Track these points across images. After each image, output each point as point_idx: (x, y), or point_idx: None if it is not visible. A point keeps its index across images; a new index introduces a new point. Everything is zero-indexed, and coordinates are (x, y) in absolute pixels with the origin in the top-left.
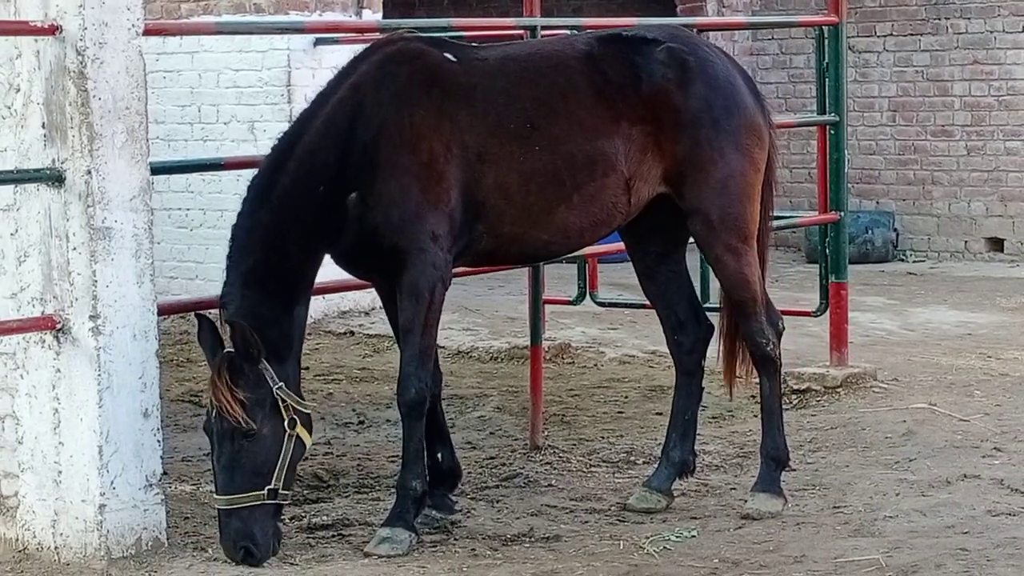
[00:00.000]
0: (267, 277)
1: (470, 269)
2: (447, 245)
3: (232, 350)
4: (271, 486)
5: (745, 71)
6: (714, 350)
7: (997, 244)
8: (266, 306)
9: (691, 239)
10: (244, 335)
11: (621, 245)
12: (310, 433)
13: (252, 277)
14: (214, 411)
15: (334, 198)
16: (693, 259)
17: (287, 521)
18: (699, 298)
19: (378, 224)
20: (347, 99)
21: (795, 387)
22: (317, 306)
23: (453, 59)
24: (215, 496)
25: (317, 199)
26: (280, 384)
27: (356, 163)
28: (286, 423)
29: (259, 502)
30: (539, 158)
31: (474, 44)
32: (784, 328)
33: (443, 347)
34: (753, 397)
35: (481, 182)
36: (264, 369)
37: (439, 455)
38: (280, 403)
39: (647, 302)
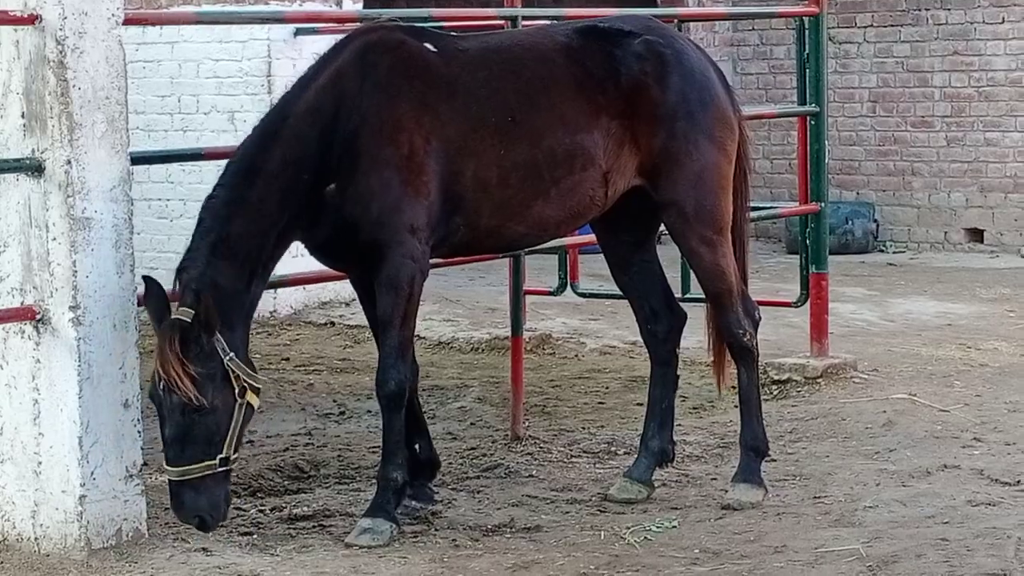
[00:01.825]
0: (237, 251)
1: (451, 260)
2: (425, 237)
3: (181, 317)
4: (222, 455)
5: (715, 62)
6: (695, 340)
7: (977, 235)
8: (228, 278)
9: (662, 230)
10: (208, 307)
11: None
12: (258, 396)
13: (222, 248)
14: (162, 383)
15: (315, 185)
16: (672, 250)
17: (268, 512)
18: (680, 289)
19: (357, 216)
20: (329, 87)
21: (775, 378)
22: (297, 297)
23: (434, 50)
24: (165, 467)
25: (301, 184)
26: (231, 355)
27: (338, 153)
28: (236, 392)
29: (211, 471)
30: (519, 152)
31: (454, 34)
32: (760, 318)
33: (424, 338)
34: (734, 387)
35: (461, 175)
36: (217, 340)
37: (417, 446)
38: (231, 374)
39: None
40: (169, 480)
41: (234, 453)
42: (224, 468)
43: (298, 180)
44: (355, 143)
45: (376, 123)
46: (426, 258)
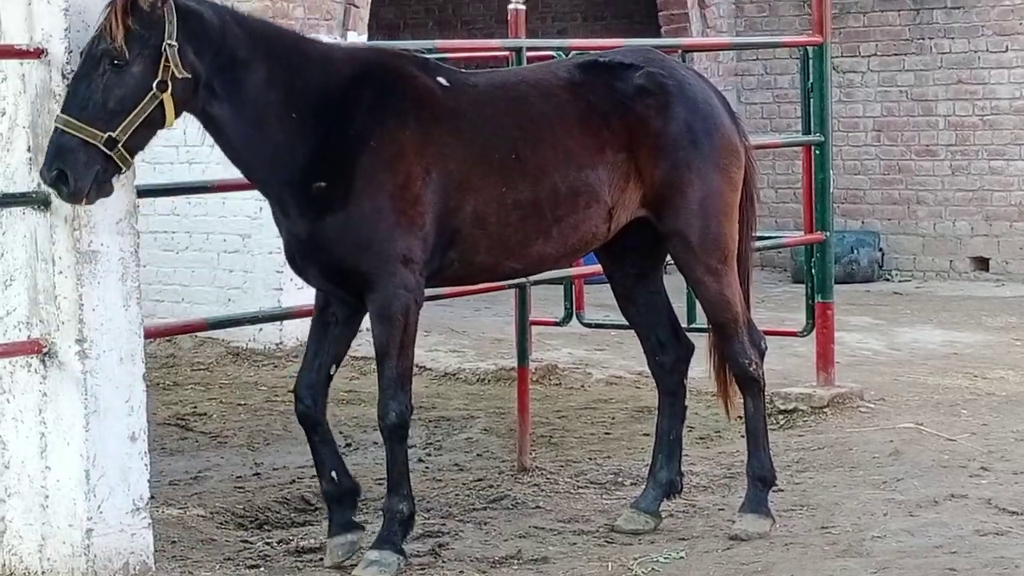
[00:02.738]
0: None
1: (456, 291)
2: (419, 268)
3: None
4: (112, 133)
5: (719, 91)
6: (702, 370)
7: (982, 263)
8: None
9: (669, 260)
10: None
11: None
12: (176, 114)
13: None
14: (98, 31)
15: (306, 135)
16: (677, 280)
17: (275, 544)
18: (686, 319)
19: (349, 240)
20: (342, 96)
21: (782, 407)
22: (304, 328)
23: (445, 83)
24: (59, 113)
25: (297, 122)
26: (174, 44)
27: (336, 152)
28: (157, 80)
29: (94, 141)
30: (522, 190)
31: (465, 70)
32: (767, 348)
33: (430, 369)
34: (740, 418)
35: (459, 210)
36: (167, 20)
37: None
38: (162, 58)
39: None
40: (54, 128)
41: (124, 142)
42: (106, 149)
43: (296, 118)
44: (353, 158)
45: (377, 146)
46: (421, 288)
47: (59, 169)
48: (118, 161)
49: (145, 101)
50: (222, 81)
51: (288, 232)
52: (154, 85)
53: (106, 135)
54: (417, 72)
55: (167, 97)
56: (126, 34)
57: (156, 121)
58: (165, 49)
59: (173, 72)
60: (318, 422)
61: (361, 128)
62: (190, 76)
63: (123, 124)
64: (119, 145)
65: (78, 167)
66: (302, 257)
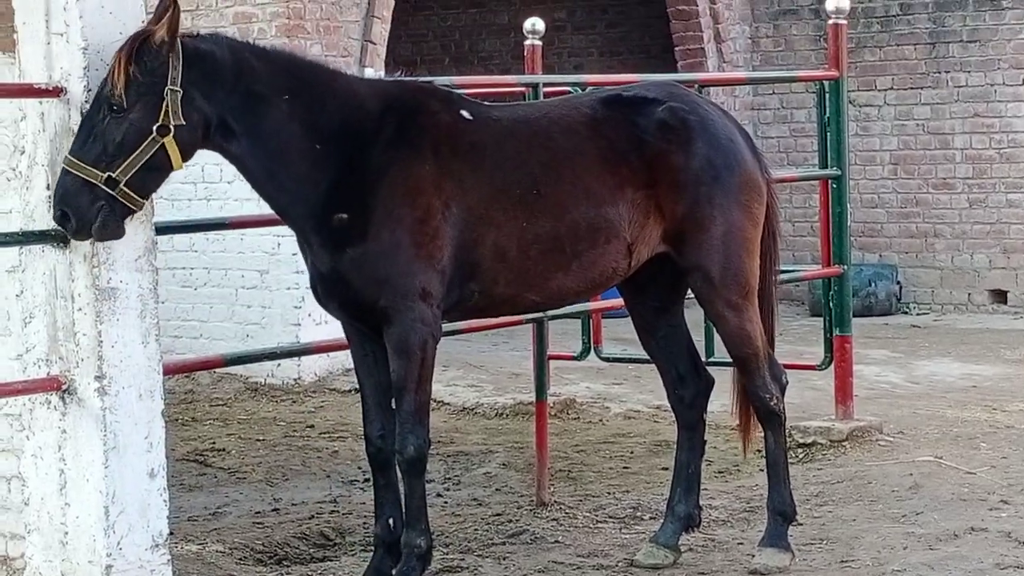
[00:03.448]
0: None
1: (473, 326)
2: (436, 302)
3: (154, 28)
4: (113, 174)
5: (742, 126)
6: (720, 404)
7: (1000, 296)
8: (223, 47)
9: (689, 293)
10: (174, 14)
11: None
12: (184, 158)
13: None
14: (105, 77)
15: (324, 167)
16: (696, 313)
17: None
18: (704, 353)
19: (367, 274)
20: (365, 129)
21: (801, 441)
22: (322, 364)
23: (468, 117)
24: (67, 155)
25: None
26: (177, 89)
27: (354, 182)
28: (157, 125)
29: (94, 180)
30: (542, 225)
31: (488, 103)
32: (787, 382)
33: (448, 404)
34: (759, 451)
35: (479, 244)
36: (173, 67)
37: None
38: (163, 103)
39: None
40: (61, 168)
41: (126, 182)
42: (108, 189)
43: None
44: (374, 191)
45: (397, 180)
46: (438, 322)
47: (61, 210)
48: (124, 201)
49: (145, 145)
50: (238, 118)
51: (311, 264)
52: (154, 129)
53: (106, 175)
54: (439, 106)
55: (169, 141)
56: (127, 82)
57: (161, 165)
58: (166, 95)
59: (171, 120)
60: (388, 463)
61: (382, 161)
62: (185, 124)
63: (123, 166)
64: (120, 185)
65: (80, 207)
66: (324, 289)
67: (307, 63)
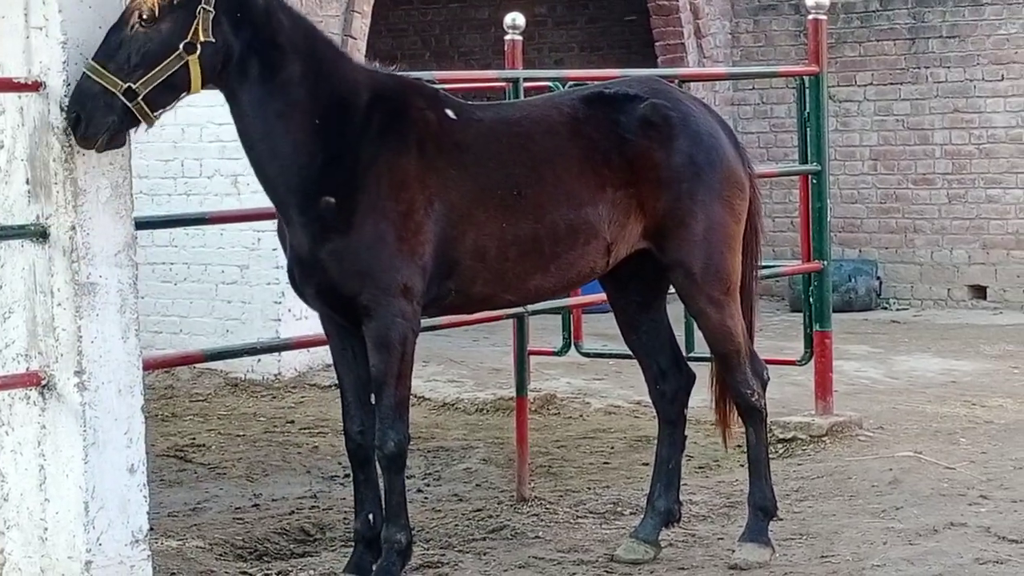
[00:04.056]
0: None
1: (455, 320)
2: (417, 298)
3: None
4: (132, 84)
5: (725, 122)
6: (700, 400)
7: (980, 291)
8: None
9: (671, 288)
10: None
11: (605, 295)
12: (203, 81)
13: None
14: None
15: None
16: (677, 308)
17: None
18: (684, 348)
19: (348, 266)
20: (358, 117)
21: (781, 436)
22: (302, 359)
23: (453, 116)
24: (89, 59)
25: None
26: (210, 9)
27: (343, 168)
28: (184, 42)
29: (113, 89)
30: (522, 226)
31: (472, 103)
32: (769, 378)
33: (428, 399)
34: (740, 447)
35: (459, 242)
36: None
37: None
38: (195, 20)
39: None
40: (82, 72)
41: (144, 95)
42: (125, 100)
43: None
44: (361, 180)
45: (383, 172)
46: (417, 318)
47: (76, 112)
48: (136, 114)
49: (170, 60)
50: (257, 63)
51: (290, 245)
52: (181, 46)
53: (126, 85)
54: (426, 103)
55: (193, 60)
56: None
57: (181, 83)
58: (199, 12)
59: (201, 37)
60: (368, 460)
61: (369, 152)
62: (217, 43)
63: (144, 78)
64: (139, 98)
65: (94, 114)
66: (301, 274)
67: (323, 36)
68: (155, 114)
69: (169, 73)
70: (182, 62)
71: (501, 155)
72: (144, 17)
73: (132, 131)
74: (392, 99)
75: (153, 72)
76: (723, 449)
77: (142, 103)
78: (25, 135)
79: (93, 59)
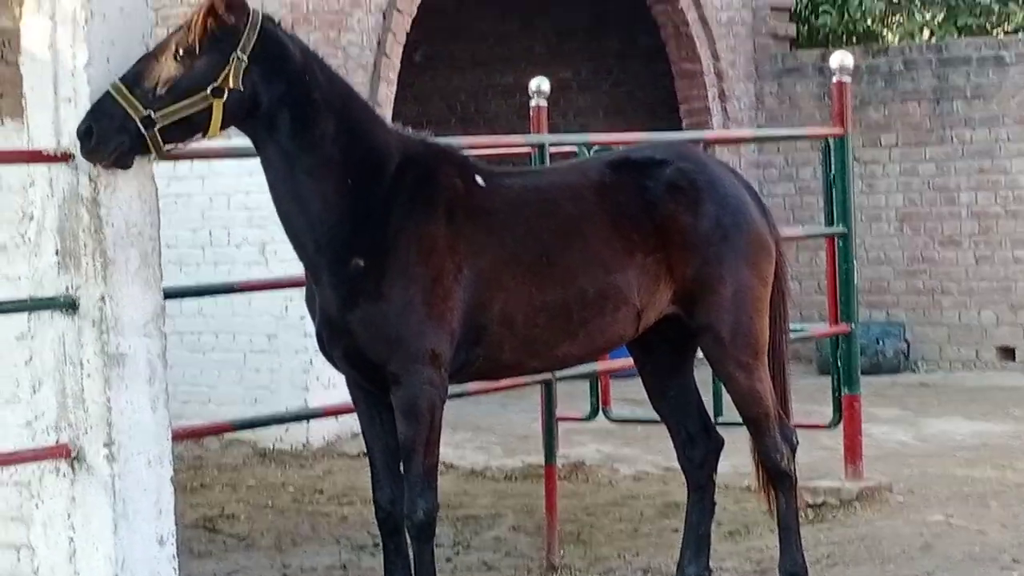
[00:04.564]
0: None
1: (483, 386)
2: (445, 365)
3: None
4: (152, 114)
5: (750, 185)
6: (729, 465)
7: (1008, 353)
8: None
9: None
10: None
11: (632, 361)
12: (222, 127)
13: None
14: (182, 24)
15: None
16: (704, 372)
17: None
18: (713, 413)
19: (376, 332)
20: (388, 180)
21: (811, 501)
22: (330, 427)
23: (482, 183)
24: (116, 79)
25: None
26: (243, 58)
27: (371, 232)
28: (212, 85)
29: (132, 113)
30: (550, 292)
31: (500, 169)
32: (798, 442)
33: (456, 467)
34: (768, 512)
35: (488, 309)
36: (245, 34)
37: None
38: (228, 66)
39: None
40: (107, 89)
41: (160, 127)
42: (139, 126)
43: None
44: (391, 244)
45: (413, 237)
46: (445, 385)
47: (88, 125)
48: (149, 142)
49: (195, 98)
50: (289, 117)
51: (318, 306)
52: (209, 88)
53: (146, 112)
54: (456, 170)
55: (218, 104)
56: (203, 32)
57: (200, 123)
58: (232, 59)
59: (230, 83)
60: (398, 528)
61: (401, 216)
62: (245, 92)
63: (166, 110)
64: (155, 127)
65: (107, 132)
66: (329, 337)
67: (359, 98)
68: (166, 148)
69: (192, 111)
70: (207, 103)
71: (529, 221)
72: (181, 52)
73: (146, 159)
74: (422, 164)
75: (176, 107)
76: (754, 514)
77: (157, 134)
78: (54, 206)
79: (120, 79)
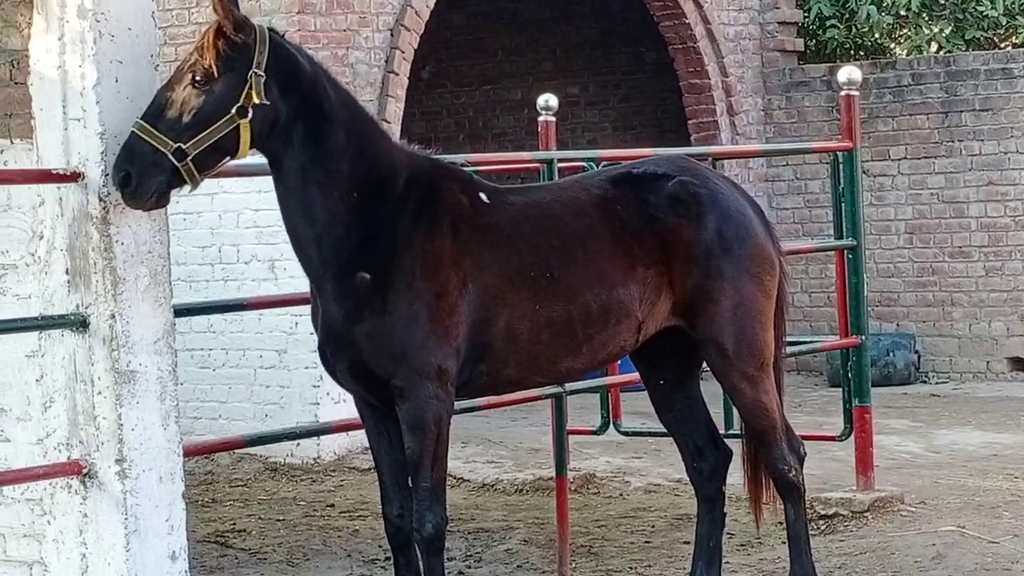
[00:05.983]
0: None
1: (493, 400)
2: (451, 380)
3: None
4: (183, 145)
5: (753, 199)
6: (739, 477)
7: (1019, 364)
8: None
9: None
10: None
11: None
12: (251, 145)
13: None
14: (192, 50)
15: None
16: (714, 386)
17: None
18: (723, 425)
19: (381, 347)
20: (394, 196)
21: (822, 512)
22: (341, 442)
23: (486, 200)
24: (137, 119)
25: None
26: (261, 74)
27: (375, 244)
28: (236, 106)
29: (163, 149)
30: (554, 308)
31: (504, 186)
32: (806, 453)
33: (468, 480)
34: (780, 523)
35: (492, 324)
36: (256, 49)
37: None
38: (247, 84)
39: None
40: (130, 131)
41: (193, 157)
42: (172, 160)
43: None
44: (396, 259)
45: (418, 253)
46: (451, 399)
47: (125, 171)
48: (184, 174)
49: (222, 122)
50: (302, 129)
51: (322, 320)
52: (234, 109)
53: (176, 145)
54: (460, 186)
55: (244, 124)
56: (217, 55)
57: (230, 146)
58: (251, 77)
59: (254, 100)
60: (408, 543)
61: (406, 232)
62: (263, 108)
63: (195, 139)
64: (188, 159)
65: (144, 174)
66: (333, 350)
67: (365, 111)
68: (201, 176)
69: (220, 135)
70: (233, 125)
71: (533, 237)
72: (198, 79)
73: (176, 191)
74: (427, 181)
75: (204, 133)
76: (757, 527)
77: (190, 164)
78: (64, 225)
79: (142, 118)
